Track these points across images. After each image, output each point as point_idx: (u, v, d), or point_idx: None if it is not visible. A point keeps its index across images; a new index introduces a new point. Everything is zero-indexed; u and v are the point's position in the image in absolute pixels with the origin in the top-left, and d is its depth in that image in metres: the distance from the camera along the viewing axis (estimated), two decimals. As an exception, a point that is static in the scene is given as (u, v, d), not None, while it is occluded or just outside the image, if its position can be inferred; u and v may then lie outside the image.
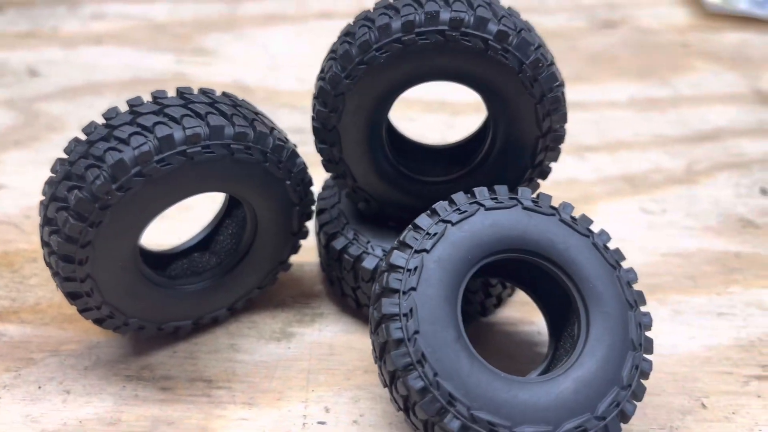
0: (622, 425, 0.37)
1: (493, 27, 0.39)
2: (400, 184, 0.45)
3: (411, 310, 0.37)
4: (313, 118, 0.44)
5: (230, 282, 0.45)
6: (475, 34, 0.39)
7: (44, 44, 0.78)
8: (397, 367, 0.36)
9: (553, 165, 0.44)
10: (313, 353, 0.46)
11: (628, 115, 0.70)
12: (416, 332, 0.36)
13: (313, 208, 0.46)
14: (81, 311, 0.41)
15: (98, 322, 0.42)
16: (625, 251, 0.54)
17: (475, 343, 0.47)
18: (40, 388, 0.43)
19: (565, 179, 0.62)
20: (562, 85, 0.42)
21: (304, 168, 0.44)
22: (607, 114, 0.71)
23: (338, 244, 0.46)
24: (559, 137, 0.43)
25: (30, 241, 0.53)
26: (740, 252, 0.55)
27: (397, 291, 0.37)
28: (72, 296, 0.40)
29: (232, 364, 0.45)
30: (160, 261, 0.46)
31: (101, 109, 0.48)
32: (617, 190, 0.61)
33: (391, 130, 0.48)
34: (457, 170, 0.46)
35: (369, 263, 0.45)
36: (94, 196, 0.37)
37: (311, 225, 0.49)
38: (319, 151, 0.45)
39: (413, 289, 0.37)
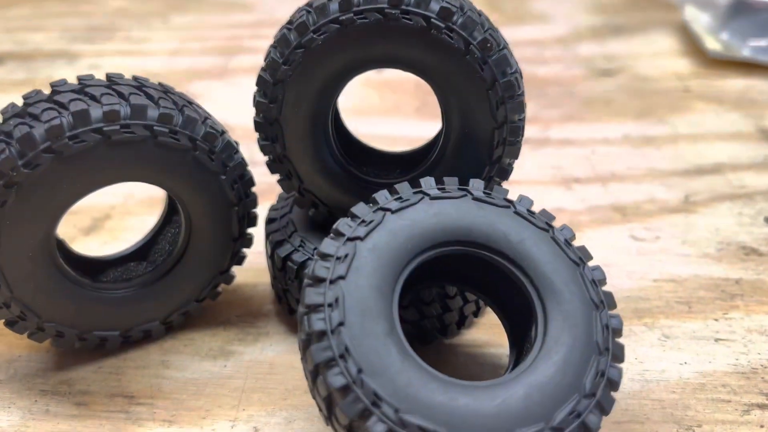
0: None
1: (435, 5, 0.37)
2: (349, 185, 0.42)
3: (336, 300, 0.33)
4: (256, 112, 0.41)
5: (163, 291, 0.42)
6: (416, 11, 0.37)
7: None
8: (317, 362, 0.32)
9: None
10: (250, 372, 0.41)
11: (622, 151, 0.67)
12: (341, 324, 0.32)
13: (256, 211, 0.43)
14: (-12, 309, 0.37)
15: (10, 324, 0.38)
16: (610, 276, 0.50)
17: (431, 364, 0.42)
18: (-55, 400, 0.39)
19: (549, 208, 0.58)
20: (518, 72, 0.39)
21: (242, 163, 0.41)
22: (600, 150, 0.67)
23: (283, 251, 0.42)
24: (517, 129, 0.40)
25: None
26: (742, 278, 0.49)
27: (323, 280, 0.33)
28: (-23, 289, 0.37)
29: (159, 381, 0.41)
30: (94, 267, 0.42)
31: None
32: (606, 218, 0.56)
33: (343, 133, 0.45)
34: (411, 172, 0.42)
35: (313, 270, 0.41)
36: (-1, 171, 0.34)
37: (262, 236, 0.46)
38: (262, 148, 0.42)
39: (341, 277, 0.33)
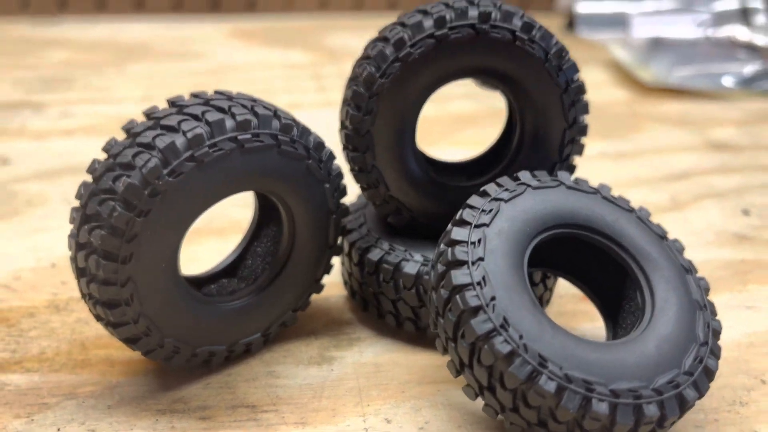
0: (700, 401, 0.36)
1: (518, 20, 0.42)
2: (432, 190, 0.45)
3: (483, 278, 0.36)
4: (344, 126, 0.44)
5: (266, 301, 0.42)
6: (502, 26, 0.42)
7: (13, 138, 0.76)
8: (478, 335, 0.34)
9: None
10: (360, 372, 0.43)
11: (604, 165, 0.74)
12: (493, 298, 0.35)
13: (345, 221, 0.45)
14: (116, 325, 0.37)
15: (132, 341, 0.38)
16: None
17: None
18: (59, 430, 0.38)
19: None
20: (580, 79, 0.45)
21: (340, 173, 0.43)
22: (584, 165, 0.74)
23: (374, 255, 0.45)
24: (584, 128, 0.45)
25: (24, 298, 0.49)
26: (745, 259, 0.57)
27: (465, 262, 0.36)
28: (109, 305, 0.36)
29: (275, 389, 0.41)
30: (192, 283, 0.42)
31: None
32: (615, 219, 0.63)
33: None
34: (488, 173, 0.46)
35: (411, 268, 0.43)
36: (145, 181, 0.35)
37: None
38: (350, 160, 0.44)
39: (481, 259, 0.36)
